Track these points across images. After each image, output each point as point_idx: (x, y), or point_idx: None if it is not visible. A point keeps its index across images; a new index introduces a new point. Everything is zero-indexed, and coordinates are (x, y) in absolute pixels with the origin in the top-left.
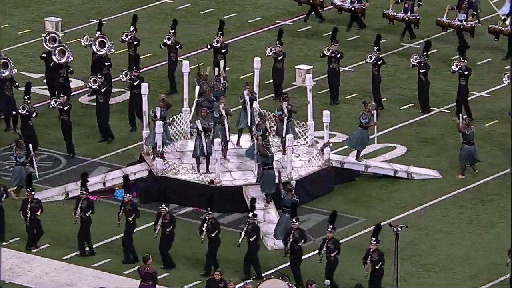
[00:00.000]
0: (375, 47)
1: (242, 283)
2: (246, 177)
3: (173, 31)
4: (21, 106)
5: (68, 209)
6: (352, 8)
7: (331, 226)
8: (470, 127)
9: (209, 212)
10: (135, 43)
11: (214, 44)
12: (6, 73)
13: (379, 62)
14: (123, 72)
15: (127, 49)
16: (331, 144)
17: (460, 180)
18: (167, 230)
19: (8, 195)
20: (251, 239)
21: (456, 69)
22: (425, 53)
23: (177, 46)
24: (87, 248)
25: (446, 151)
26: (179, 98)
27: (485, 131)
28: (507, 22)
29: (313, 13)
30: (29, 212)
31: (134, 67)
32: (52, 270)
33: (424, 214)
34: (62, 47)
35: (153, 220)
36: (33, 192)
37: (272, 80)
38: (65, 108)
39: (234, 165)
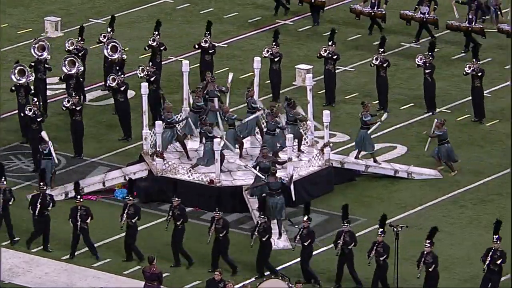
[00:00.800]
0: (380, 49)
1: (241, 284)
2: (246, 177)
3: (156, 32)
4: (28, 107)
5: (67, 209)
6: (313, 0)
7: (381, 230)
8: (443, 127)
9: (262, 216)
10: (80, 54)
11: (202, 44)
12: (23, 80)
13: (385, 64)
14: (140, 68)
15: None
16: (331, 144)
17: (460, 180)
18: (221, 235)
19: (55, 204)
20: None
21: (469, 70)
22: (430, 53)
23: (161, 48)
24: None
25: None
26: (179, 98)
27: (486, 131)
28: None
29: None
30: (79, 220)
31: (150, 63)
32: (51, 270)
33: (424, 214)
34: (72, 58)
35: (152, 220)
36: (81, 200)
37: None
38: (78, 108)
39: (234, 165)
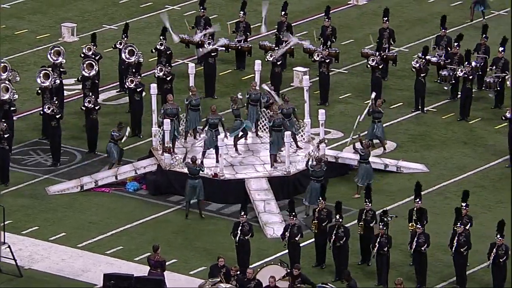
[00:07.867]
0: (421, 55)
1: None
2: (247, 171)
3: (163, 37)
4: (47, 106)
5: (82, 200)
6: (239, 47)
7: (421, 225)
8: (369, 149)
9: (339, 220)
10: (97, 58)
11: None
12: (47, 83)
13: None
14: (158, 67)
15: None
16: (326, 141)
17: (445, 173)
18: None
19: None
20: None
21: (461, 74)
22: (423, 56)
23: (168, 52)
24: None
25: (432, 146)
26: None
27: (468, 129)
28: None
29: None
30: (240, 234)
31: (166, 64)
32: (68, 257)
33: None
34: (90, 61)
35: (161, 211)
36: (246, 216)
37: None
38: (97, 107)
39: (237, 160)
